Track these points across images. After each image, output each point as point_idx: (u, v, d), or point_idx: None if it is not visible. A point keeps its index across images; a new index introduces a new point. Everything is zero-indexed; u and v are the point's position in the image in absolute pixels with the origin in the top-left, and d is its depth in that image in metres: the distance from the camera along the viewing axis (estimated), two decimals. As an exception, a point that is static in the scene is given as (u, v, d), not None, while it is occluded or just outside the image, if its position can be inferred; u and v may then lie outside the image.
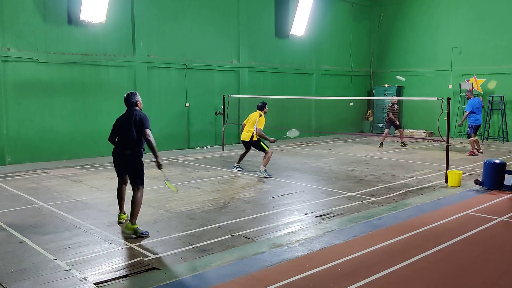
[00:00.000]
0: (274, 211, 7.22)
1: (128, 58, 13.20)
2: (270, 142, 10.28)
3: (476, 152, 13.35)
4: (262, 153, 10.38)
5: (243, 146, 10.74)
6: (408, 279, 4.60)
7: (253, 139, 10.22)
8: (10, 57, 11.20)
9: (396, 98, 14.92)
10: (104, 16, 12.32)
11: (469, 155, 13.27)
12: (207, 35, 15.08)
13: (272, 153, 10.32)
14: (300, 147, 15.50)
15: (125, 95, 6.31)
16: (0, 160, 11.19)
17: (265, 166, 10.08)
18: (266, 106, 10.55)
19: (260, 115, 10.31)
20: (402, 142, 15.33)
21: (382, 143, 15.15)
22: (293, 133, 10.99)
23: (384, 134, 15.27)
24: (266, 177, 9.85)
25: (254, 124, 10.26)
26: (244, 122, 10.69)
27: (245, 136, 10.38)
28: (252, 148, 10.55)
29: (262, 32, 16.80)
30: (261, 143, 10.25)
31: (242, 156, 10.91)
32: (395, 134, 16.83)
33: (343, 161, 12.18)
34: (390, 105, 15.16)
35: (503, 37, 16.82)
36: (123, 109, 6.26)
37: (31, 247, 5.51)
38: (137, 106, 6.26)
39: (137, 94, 6.34)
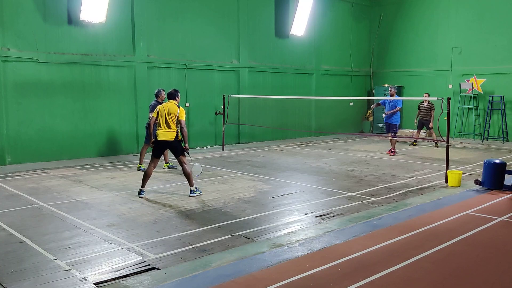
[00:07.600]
0: (274, 211, 7.22)
1: (128, 58, 13.19)
2: (186, 150, 8.08)
3: (395, 151, 13.26)
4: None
5: (156, 152, 8.10)
6: (408, 279, 4.59)
7: (178, 138, 8.05)
8: (10, 57, 11.19)
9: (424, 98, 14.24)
10: (104, 16, 12.30)
11: (391, 154, 13.11)
12: (207, 35, 15.07)
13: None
14: (300, 147, 15.50)
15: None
16: (0, 160, 11.18)
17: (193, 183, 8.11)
18: (179, 94, 8.40)
19: (179, 106, 8.11)
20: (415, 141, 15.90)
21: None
22: (196, 169, 8.63)
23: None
24: (199, 195, 8.09)
25: (175, 118, 7.97)
26: (153, 115, 8.09)
27: (169, 135, 7.97)
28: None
29: (262, 32, 16.79)
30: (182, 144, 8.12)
31: (149, 175, 8.12)
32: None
33: (343, 161, 12.17)
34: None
35: (503, 37, 16.80)
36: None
37: (31, 247, 5.51)
38: (157, 97, 10.31)
39: (159, 91, 10.28)
